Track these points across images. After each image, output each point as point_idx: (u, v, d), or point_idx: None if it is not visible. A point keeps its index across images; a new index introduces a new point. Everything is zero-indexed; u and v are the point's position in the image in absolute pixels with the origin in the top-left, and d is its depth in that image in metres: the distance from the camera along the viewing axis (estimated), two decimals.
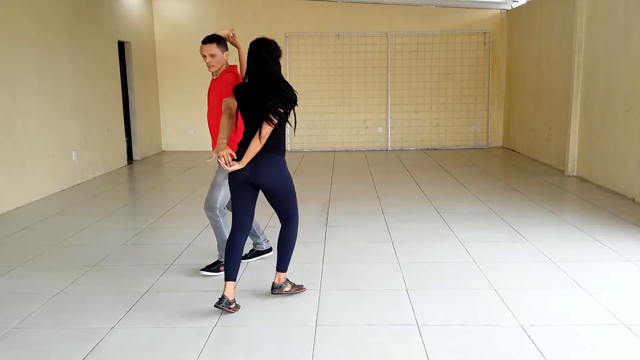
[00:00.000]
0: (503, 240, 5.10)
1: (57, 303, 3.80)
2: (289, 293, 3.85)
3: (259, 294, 3.91)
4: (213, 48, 3.94)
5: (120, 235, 5.42)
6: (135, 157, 10.54)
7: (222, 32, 4.07)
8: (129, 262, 4.66)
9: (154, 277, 4.26)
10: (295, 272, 4.31)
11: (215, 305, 3.55)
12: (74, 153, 8.03)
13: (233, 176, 3.57)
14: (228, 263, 3.61)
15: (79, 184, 8.08)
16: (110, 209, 6.56)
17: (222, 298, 3.54)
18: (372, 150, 11.71)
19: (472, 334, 3.26)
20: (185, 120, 11.65)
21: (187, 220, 6.00)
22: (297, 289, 3.90)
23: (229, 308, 3.54)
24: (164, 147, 11.83)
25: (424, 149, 11.66)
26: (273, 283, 3.84)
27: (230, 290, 3.57)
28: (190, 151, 11.55)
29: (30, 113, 6.96)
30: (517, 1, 10.65)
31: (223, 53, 3.99)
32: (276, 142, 3.54)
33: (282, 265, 3.80)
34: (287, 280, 3.87)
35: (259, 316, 3.55)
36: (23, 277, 4.31)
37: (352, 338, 3.23)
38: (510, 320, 3.42)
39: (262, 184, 3.55)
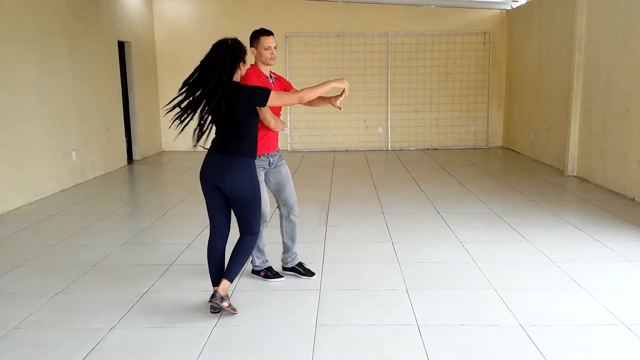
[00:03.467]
0: (503, 240, 5.10)
1: (57, 303, 3.80)
2: (225, 309, 3.47)
3: (258, 294, 3.91)
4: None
5: (120, 235, 5.42)
6: (135, 157, 10.54)
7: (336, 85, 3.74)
8: (129, 262, 4.66)
9: (154, 277, 4.26)
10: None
11: (210, 303, 3.48)
12: (74, 153, 8.03)
13: (202, 180, 3.50)
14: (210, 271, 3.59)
15: (79, 184, 8.08)
16: (110, 209, 6.56)
17: (214, 293, 3.48)
18: (372, 150, 11.71)
19: (472, 334, 3.26)
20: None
21: (187, 220, 5.99)
22: (232, 309, 3.52)
23: (222, 304, 3.44)
24: (164, 147, 11.83)
25: (424, 149, 11.66)
26: (215, 292, 3.49)
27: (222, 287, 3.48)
28: (190, 151, 11.54)
29: (30, 113, 6.96)
30: (517, 1, 10.66)
31: None
32: (247, 142, 3.46)
33: (230, 273, 3.52)
34: (227, 296, 3.53)
35: (259, 316, 3.55)
36: (23, 277, 4.31)
37: (352, 338, 3.23)
38: (510, 320, 3.42)
39: (228, 189, 3.44)
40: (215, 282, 3.57)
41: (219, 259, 3.62)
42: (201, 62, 3.43)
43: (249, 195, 3.48)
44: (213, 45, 3.43)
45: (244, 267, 3.69)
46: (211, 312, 3.55)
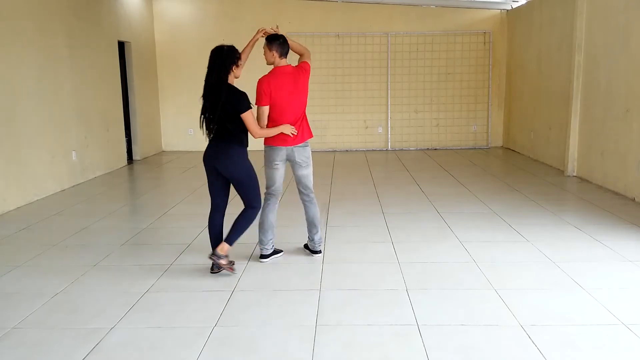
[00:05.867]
0: (503, 240, 5.10)
1: (57, 303, 3.80)
2: (222, 266, 4.16)
3: (259, 294, 3.91)
4: None
5: (120, 235, 5.42)
6: (135, 157, 10.54)
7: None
8: (129, 262, 4.66)
9: (154, 277, 4.26)
10: (295, 272, 4.32)
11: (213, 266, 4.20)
12: (74, 153, 8.03)
13: (205, 164, 4.16)
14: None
15: (79, 184, 8.08)
16: (110, 209, 6.56)
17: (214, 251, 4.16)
18: (372, 150, 11.71)
19: (472, 334, 3.26)
20: (185, 120, 11.64)
21: (187, 220, 5.99)
22: (230, 268, 4.20)
23: (220, 261, 4.12)
24: (164, 147, 11.84)
25: (424, 149, 11.66)
26: (215, 250, 4.16)
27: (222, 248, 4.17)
28: (190, 151, 11.54)
29: (30, 113, 6.96)
30: (517, 1, 10.66)
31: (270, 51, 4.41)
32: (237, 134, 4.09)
33: (229, 238, 4.19)
34: (227, 256, 4.19)
35: (259, 316, 3.56)
36: (23, 277, 4.31)
37: (352, 338, 3.23)
38: (510, 320, 3.42)
39: (228, 173, 4.11)
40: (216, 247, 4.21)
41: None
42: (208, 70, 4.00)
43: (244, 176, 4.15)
44: (212, 52, 4.01)
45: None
46: (211, 272, 4.25)
